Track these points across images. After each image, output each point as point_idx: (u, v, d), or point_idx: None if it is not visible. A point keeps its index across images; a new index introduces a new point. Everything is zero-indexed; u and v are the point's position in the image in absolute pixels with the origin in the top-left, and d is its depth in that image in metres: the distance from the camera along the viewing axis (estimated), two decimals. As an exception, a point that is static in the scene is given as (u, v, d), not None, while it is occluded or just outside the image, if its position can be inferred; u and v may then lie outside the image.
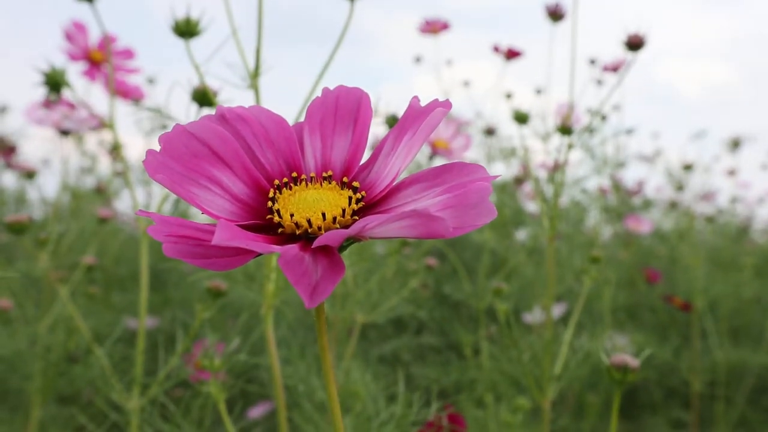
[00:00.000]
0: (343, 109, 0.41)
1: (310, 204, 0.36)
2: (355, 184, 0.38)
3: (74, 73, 1.33)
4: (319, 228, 0.35)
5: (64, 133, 2.07)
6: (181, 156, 0.37)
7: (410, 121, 0.38)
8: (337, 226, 0.35)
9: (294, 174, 0.40)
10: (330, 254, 0.32)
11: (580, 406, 1.67)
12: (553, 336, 1.04)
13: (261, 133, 0.40)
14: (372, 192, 0.38)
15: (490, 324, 1.53)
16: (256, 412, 1.48)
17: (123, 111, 1.50)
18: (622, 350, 1.45)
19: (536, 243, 1.72)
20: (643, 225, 2.26)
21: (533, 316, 1.63)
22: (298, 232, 0.35)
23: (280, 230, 0.36)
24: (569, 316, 1.53)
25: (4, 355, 1.33)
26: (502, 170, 2.30)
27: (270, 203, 0.37)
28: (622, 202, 2.51)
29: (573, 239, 1.98)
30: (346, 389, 0.95)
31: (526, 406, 1.01)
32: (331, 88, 0.43)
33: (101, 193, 2.19)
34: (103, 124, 0.91)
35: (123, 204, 2.28)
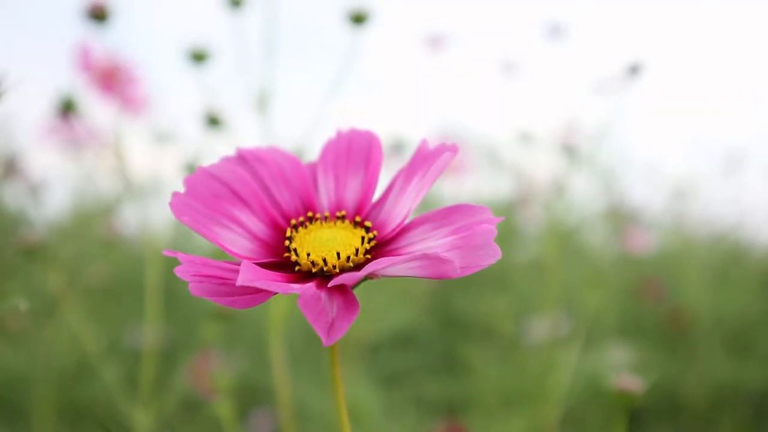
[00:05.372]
0: (355, 150, 0.43)
1: (324, 243, 0.38)
2: (368, 223, 0.41)
3: (81, 87, 1.35)
4: (334, 267, 0.37)
5: (71, 145, 2.09)
6: (204, 197, 0.39)
7: (419, 164, 0.40)
8: (351, 264, 0.37)
9: (309, 213, 0.42)
10: (345, 293, 0.34)
11: (581, 419, 1.67)
12: (554, 354, 1.06)
13: (278, 173, 0.43)
14: (383, 230, 0.40)
15: (492, 341, 1.55)
16: (259, 427, 1.49)
17: (130, 127, 1.53)
18: (624, 368, 1.46)
19: (537, 260, 1.74)
20: (645, 240, 2.26)
21: (534, 332, 1.64)
22: (314, 270, 0.38)
23: (297, 268, 0.38)
24: (571, 331, 1.54)
25: (9, 372, 1.34)
26: (503, 185, 2.32)
27: (287, 242, 0.39)
28: (624, 218, 2.52)
29: (574, 256, 2.00)
30: (352, 407, 0.96)
31: (524, 424, 1.02)
32: (343, 128, 0.45)
33: (106, 212, 2.21)
34: (109, 140, 0.94)
35: (125, 219, 2.29)
